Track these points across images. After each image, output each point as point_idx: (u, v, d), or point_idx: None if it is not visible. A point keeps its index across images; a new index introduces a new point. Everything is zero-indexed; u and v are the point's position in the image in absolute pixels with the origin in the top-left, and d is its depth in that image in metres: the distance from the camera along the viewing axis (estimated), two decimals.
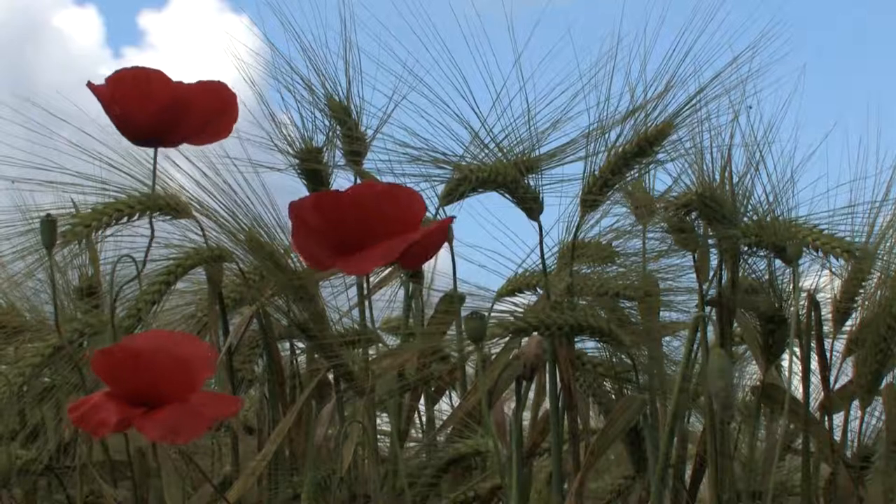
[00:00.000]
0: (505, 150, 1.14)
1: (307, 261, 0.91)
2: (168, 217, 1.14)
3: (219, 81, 1.02)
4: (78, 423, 0.88)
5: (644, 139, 1.15)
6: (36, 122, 1.13)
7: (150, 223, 1.10)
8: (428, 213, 1.14)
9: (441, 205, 1.17)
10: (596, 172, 1.15)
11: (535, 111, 1.14)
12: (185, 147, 1.14)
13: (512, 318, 1.12)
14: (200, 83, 1.01)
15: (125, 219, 1.14)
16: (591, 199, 1.15)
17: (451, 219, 0.90)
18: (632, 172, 1.16)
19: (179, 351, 0.88)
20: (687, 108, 1.15)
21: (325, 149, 1.22)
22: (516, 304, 1.23)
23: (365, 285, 1.21)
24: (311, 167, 1.22)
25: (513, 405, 1.21)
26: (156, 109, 1.00)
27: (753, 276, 1.19)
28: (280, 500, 1.20)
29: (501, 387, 1.19)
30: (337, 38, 1.22)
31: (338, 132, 1.22)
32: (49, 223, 1.08)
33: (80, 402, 0.88)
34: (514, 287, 1.25)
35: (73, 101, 1.08)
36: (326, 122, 1.22)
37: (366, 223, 0.87)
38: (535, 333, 1.12)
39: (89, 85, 1.01)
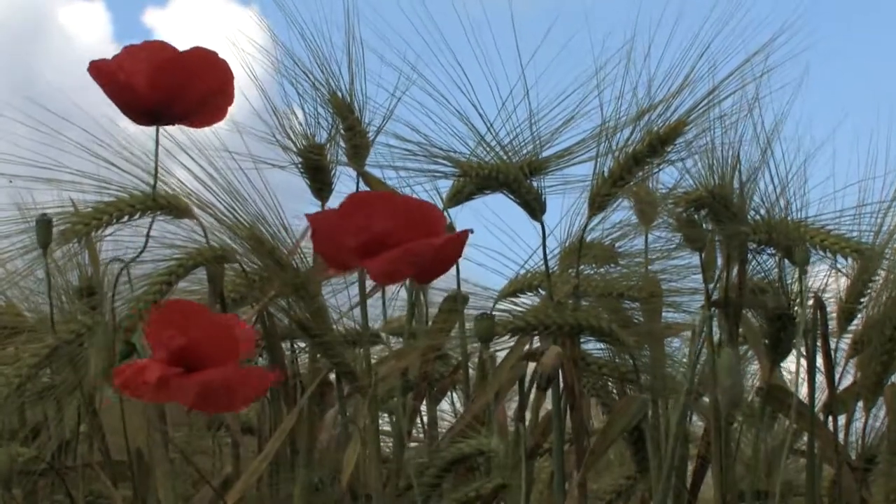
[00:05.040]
0: (509, 152, 1.13)
1: (329, 263, 0.91)
2: (170, 216, 1.13)
3: (217, 54, 1.00)
4: (121, 387, 0.89)
5: (656, 138, 1.13)
6: (39, 119, 1.11)
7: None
8: None
9: (447, 206, 1.16)
10: (605, 173, 1.14)
11: (543, 111, 1.13)
12: (186, 143, 1.13)
13: (511, 318, 1.12)
14: (198, 49, 0.99)
15: (126, 218, 1.13)
16: (600, 199, 1.14)
17: (469, 231, 0.90)
18: (642, 173, 1.14)
19: (222, 317, 0.92)
20: (699, 106, 1.14)
21: (328, 145, 1.21)
22: (519, 305, 1.22)
23: (367, 283, 1.20)
24: (314, 163, 1.20)
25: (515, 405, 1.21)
26: (159, 72, 0.98)
27: (761, 275, 1.18)
28: (282, 498, 1.19)
29: (505, 387, 1.18)
30: (340, 32, 1.21)
31: (340, 128, 1.21)
32: (44, 223, 1.07)
33: (124, 367, 0.89)
34: (516, 288, 1.24)
35: (77, 98, 1.07)
36: (329, 119, 1.21)
37: (390, 229, 0.87)
38: (554, 345, 1.11)
39: (92, 64, 0.99)
